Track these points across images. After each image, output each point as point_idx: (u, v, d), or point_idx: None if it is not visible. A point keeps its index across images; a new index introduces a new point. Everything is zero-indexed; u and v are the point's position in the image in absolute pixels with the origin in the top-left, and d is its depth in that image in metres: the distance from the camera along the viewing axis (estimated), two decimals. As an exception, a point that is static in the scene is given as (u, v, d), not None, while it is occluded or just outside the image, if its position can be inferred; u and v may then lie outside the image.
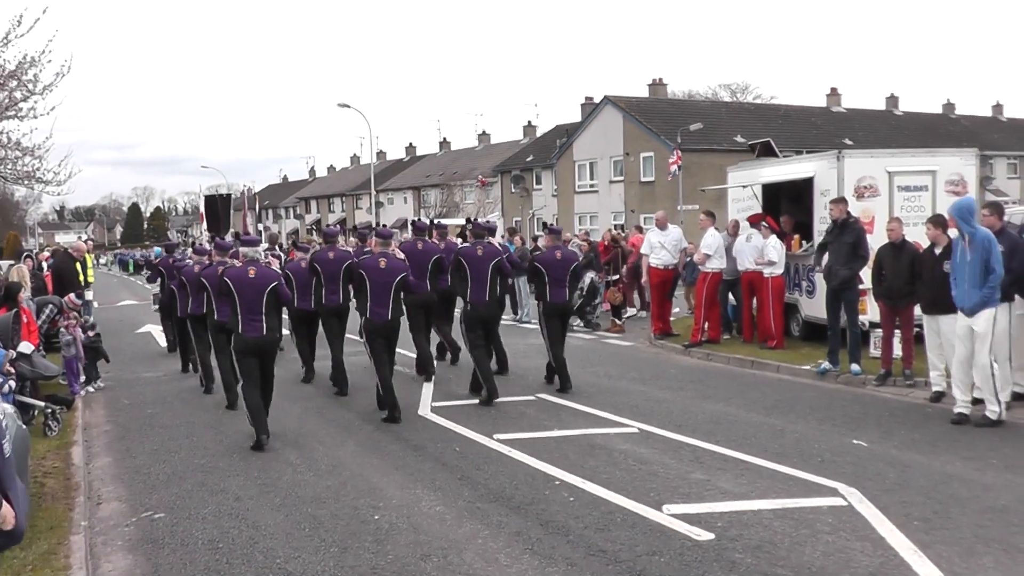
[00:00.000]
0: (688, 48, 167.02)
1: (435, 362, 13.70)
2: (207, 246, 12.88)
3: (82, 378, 13.05)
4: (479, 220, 14.94)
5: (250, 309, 9.59)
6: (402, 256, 11.27)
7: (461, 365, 14.43)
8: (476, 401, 11.34)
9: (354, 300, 11.45)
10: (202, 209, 24.35)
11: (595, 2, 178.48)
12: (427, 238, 13.36)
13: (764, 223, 14.66)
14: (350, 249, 13.38)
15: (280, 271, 12.04)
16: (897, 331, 11.64)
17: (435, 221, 16.87)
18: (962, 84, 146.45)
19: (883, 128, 54.97)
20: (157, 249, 15.69)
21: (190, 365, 14.19)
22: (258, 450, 9.33)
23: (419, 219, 15.05)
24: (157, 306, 16.67)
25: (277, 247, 20.98)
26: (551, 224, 17.47)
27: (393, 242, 11.27)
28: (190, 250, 14.76)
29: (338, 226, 15.85)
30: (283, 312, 10.50)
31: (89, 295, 18.47)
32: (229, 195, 27.92)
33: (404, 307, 11.28)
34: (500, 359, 13.23)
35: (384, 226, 17.60)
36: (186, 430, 10.38)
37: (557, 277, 12.03)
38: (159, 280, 15.27)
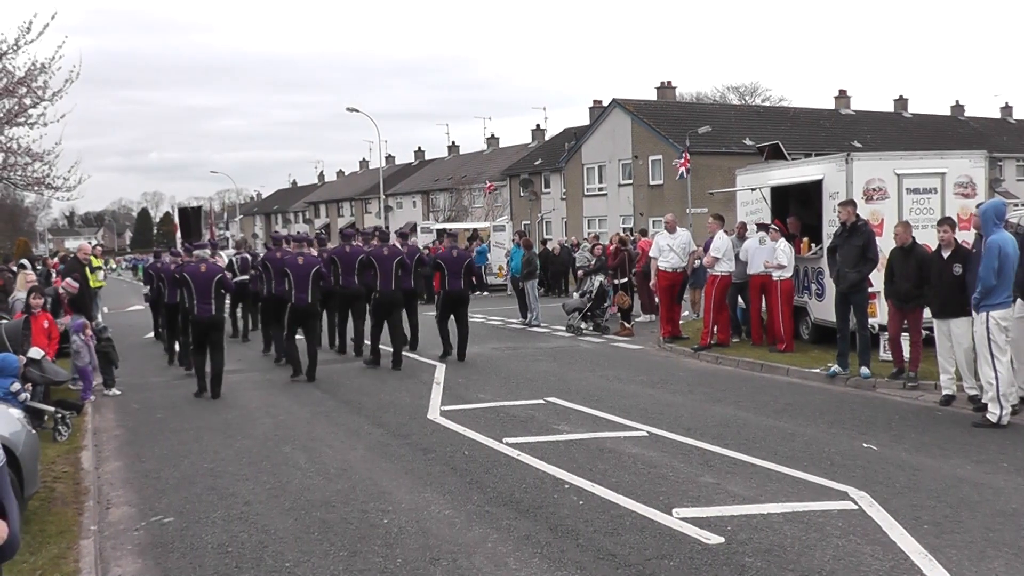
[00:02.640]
0: (696, 51, 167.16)
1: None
2: (181, 251, 15.21)
3: (95, 382, 13.09)
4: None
5: (202, 296, 12.65)
6: (316, 254, 15.15)
7: (469, 370, 14.46)
8: (483, 405, 11.38)
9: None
10: (176, 220, 27.33)
11: (603, 5, 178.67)
12: (352, 243, 16.22)
13: (772, 226, 14.62)
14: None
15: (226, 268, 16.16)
16: (905, 334, 11.61)
17: (357, 228, 21.40)
18: (971, 86, 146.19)
19: (892, 130, 54.88)
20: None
21: (169, 346, 16.79)
22: (198, 397, 12.66)
23: (346, 227, 19.09)
24: (148, 303, 19.76)
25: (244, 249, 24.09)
26: (448, 230, 23.37)
27: (306, 245, 15.34)
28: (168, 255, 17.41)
29: (280, 232, 20.69)
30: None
31: (104, 310, 18.61)
32: (199, 207, 33.30)
33: (337, 297, 15.95)
34: (413, 337, 16.89)
35: (299, 232, 23.17)
36: (195, 434, 10.40)
37: (454, 271, 15.50)
38: (151, 279, 18.25)
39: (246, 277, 18.39)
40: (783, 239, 14.38)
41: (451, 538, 6.56)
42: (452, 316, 15.71)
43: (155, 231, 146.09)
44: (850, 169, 13.51)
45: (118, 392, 13.32)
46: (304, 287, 13.90)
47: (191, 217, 28.58)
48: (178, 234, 27.08)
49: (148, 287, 18.83)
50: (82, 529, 6.97)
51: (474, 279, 16.89)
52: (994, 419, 9.37)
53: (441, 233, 17.37)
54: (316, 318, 14.41)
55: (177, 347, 15.91)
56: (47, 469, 8.48)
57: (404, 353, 15.38)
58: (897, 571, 5.66)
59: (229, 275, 14.54)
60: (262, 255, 17.15)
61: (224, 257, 20.25)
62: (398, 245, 15.82)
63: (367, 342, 15.63)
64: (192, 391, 13.01)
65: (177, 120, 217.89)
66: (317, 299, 14.34)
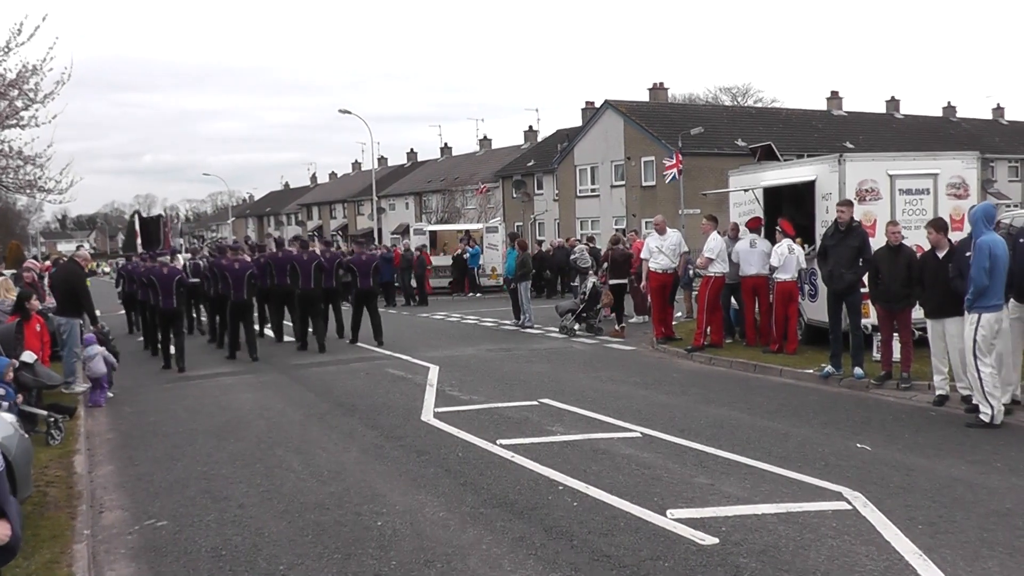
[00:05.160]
0: (689, 52, 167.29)
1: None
2: (147, 257, 18.33)
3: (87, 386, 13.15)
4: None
5: (165, 292, 15.70)
6: (249, 259, 18.18)
7: (462, 372, 14.45)
8: (477, 406, 11.38)
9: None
10: (136, 228, 29.68)
11: (595, 6, 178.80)
12: (284, 249, 19.42)
13: (778, 228, 14.43)
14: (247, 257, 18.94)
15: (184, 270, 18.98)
16: (896, 334, 11.63)
17: (297, 236, 23.65)
18: (962, 87, 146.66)
19: (884, 131, 55.04)
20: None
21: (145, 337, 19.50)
22: (167, 369, 15.87)
23: (279, 235, 22.70)
24: (121, 300, 22.98)
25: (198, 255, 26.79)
26: (358, 237, 27.90)
27: (241, 252, 18.52)
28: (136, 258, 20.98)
29: (233, 239, 25.18)
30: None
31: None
32: (159, 216, 35.45)
33: (270, 294, 19.10)
34: (338, 327, 19.69)
35: (242, 239, 27.24)
36: (188, 437, 10.37)
37: (363, 272, 18.54)
38: (121, 279, 22.02)
39: (197, 280, 20.61)
40: (788, 240, 14.20)
41: (445, 540, 6.55)
42: (364, 309, 18.72)
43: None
44: (843, 170, 13.53)
45: (111, 394, 13.34)
46: (240, 287, 16.93)
47: (151, 226, 30.72)
48: (139, 240, 28.63)
49: (119, 287, 22.43)
50: (75, 533, 6.94)
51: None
52: (987, 419, 9.40)
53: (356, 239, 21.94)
54: (251, 311, 17.65)
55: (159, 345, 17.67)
56: (40, 473, 8.45)
57: (398, 354, 16.45)
58: (891, 571, 5.66)
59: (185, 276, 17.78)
60: (206, 262, 20.18)
61: (181, 260, 23.84)
62: (317, 251, 19.19)
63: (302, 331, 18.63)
64: (182, 388, 13.08)
65: (171, 123, 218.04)
66: (252, 296, 17.56)
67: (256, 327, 19.34)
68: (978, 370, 9.51)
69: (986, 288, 9.42)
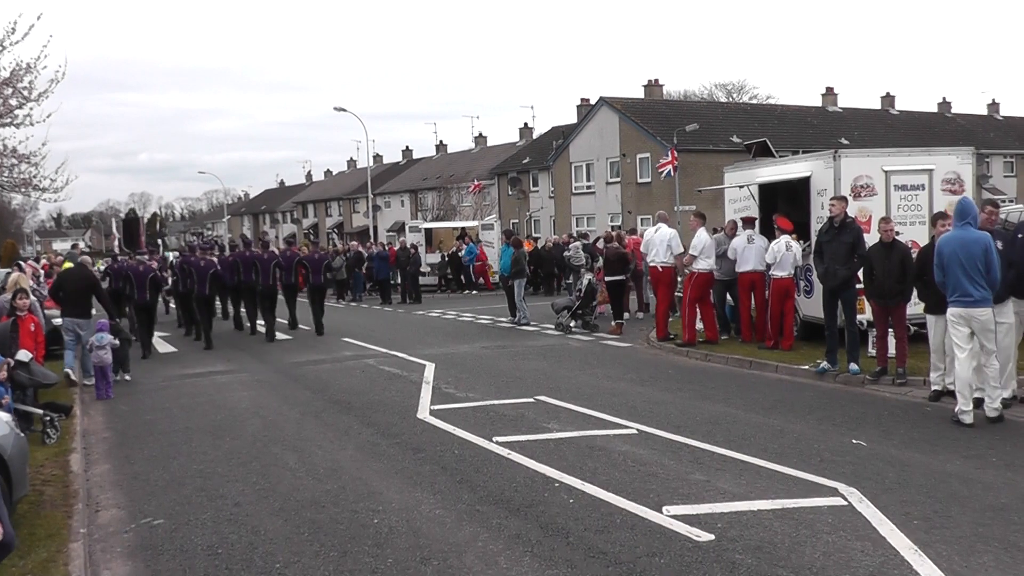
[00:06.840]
0: (683, 48, 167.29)
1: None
2: (120, 255, 21.30)
3: (115, 377, 13.86)
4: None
5: (140, 287, 17.59)
6: (215, 258, 20.33)
7: (458, 369, 14.45)
8: (473, 404, 11.38)
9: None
10: (114, 229, 30.54)
11: (590, 4, 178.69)
12: (251, 249, 21.75)
13: (775, 224, 14.42)
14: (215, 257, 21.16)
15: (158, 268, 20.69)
16: (891, 330, 11.64)
17: (260, 237, 25.54)
18: (957, 83, 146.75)
19: (879, 127, 55.02)
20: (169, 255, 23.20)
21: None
22: (145, 359, 17.11)
23: (243, 235, 22.96)
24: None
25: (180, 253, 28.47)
26: (312, 238, 30.71)
27: (209, 252, 20.72)
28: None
29: (207, 241, 29.46)
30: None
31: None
32: (139, 218, 37.64)
33: (241, 289, 21.21)
34: (291, 320, 21.94)
35: (238, 238, 30.80)
36: (184, 436, 10.36)
37: (315, 269, 21.39)
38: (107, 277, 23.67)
39: (173, 276, 22.18)
40: (786, 236, 14.16)
41: (442, 537, 6.55)
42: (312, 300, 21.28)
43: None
44: (838, 166, 13.54)
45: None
46: (204, 283, 19.26)
47: (132, 226, 32.37)
48: (115, 242, 29.36)
49: (106, 284, 24.08)
50: (71, 532, 6.93)
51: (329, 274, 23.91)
52: (958, 414, 9.42)
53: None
54: (211, 304, 20.11)
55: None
56: (36, 472, 8.43)
57: (393, 352, 16.63)
58: (887, 567, 5.68)
59: (167, 274, 20.31)
60: (175, 259, 22.76)
61: (170, 257, 26.21)
62: (276, 251, 21.45)
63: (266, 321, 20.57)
64: (178, 387, 13.11)
65: (166, 121, 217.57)
66: (215, 292, 20.17)
67: (225, 317, 22.82)
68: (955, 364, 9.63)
69: (943, 284, 9.53)
